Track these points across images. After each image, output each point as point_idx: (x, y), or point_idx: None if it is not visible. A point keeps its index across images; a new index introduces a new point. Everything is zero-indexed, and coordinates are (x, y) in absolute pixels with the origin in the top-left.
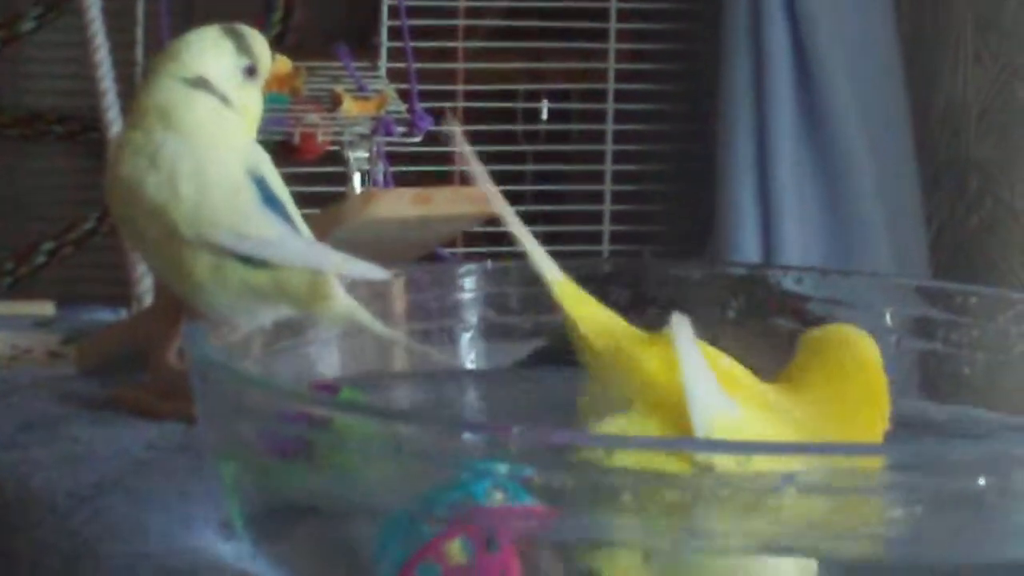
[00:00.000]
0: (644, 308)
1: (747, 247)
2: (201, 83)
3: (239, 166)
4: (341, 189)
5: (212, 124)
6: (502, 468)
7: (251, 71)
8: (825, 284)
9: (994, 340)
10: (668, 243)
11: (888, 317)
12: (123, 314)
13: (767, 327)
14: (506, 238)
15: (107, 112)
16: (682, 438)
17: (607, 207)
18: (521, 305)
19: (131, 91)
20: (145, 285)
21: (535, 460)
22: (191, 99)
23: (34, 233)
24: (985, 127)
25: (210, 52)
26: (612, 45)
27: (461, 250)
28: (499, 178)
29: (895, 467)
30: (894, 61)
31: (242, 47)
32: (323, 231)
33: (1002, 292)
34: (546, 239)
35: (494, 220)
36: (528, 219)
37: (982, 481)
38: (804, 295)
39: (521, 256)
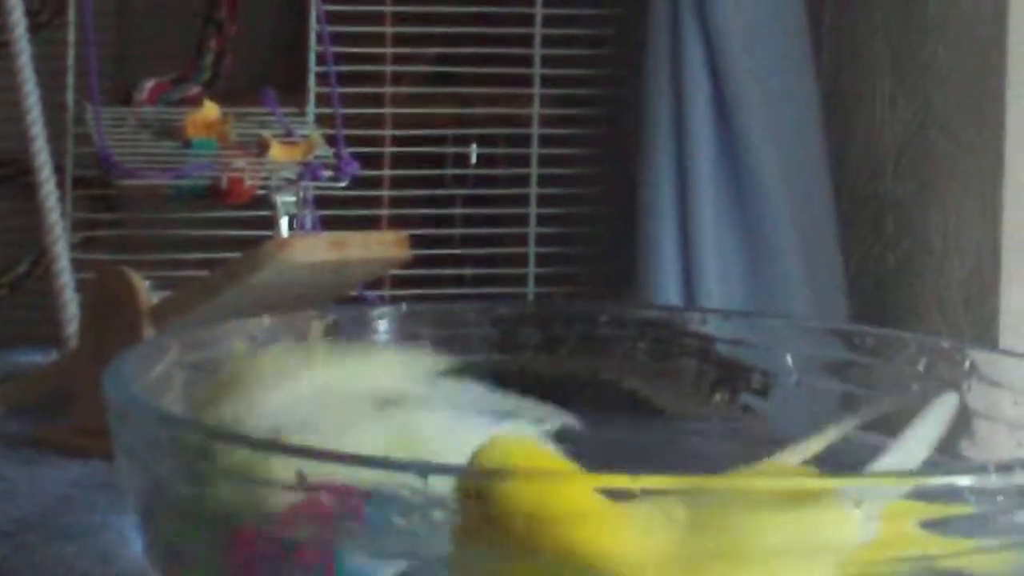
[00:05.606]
0: (554, 348)
1: (668, 289)
2: None
3: None
4: (269, 233)
5: None
6: None
7: None
8: (728, 326)
9: (892, 378)
10: (592, 284)
11: (789, 358)
12: (53, 355)
13: (674, 368)
14: (435, 281)
15: (37, 156)
16: None
17: (531, 250)
18: (435, 347)
19: (61, 135)
20: (73, 328)
21: None
22: None
23: None
24: (902, 168)
25: None
26: (537, 90)
27: (388, 293)
28: (429, 221)
29: None
30: (813, 104)
31: None
32: (238, 276)
33: (896, 334)
34: (475, 281)
35: (427, 262)
36: (457, 262)
37: None
38: (709, 336)
39: (439, 299)
